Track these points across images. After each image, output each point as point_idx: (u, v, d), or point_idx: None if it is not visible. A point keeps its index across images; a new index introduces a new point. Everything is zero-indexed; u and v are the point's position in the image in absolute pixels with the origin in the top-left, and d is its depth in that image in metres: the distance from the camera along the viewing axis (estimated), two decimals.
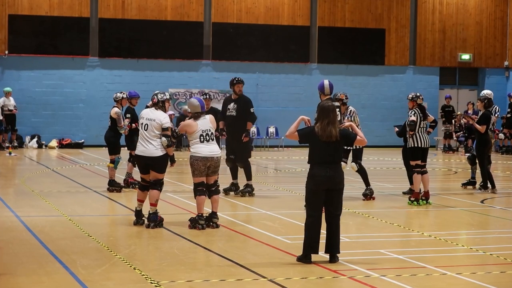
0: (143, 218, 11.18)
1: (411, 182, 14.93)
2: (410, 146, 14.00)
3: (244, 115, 14.49)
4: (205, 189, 11.04)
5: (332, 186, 8.78)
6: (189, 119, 11.18)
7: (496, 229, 11.81)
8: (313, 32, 30.42)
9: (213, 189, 11.10)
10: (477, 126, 15.48)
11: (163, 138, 10.95)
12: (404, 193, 15.18)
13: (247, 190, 14.67)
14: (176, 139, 11.24)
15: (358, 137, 9.03)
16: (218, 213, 11.19)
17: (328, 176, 8.75)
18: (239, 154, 14.62)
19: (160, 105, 11.13)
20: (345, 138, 8.93)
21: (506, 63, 32.04)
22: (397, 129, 15.05)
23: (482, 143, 15.63)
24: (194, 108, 11.08)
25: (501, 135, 27.91)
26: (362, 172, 14.46)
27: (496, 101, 30.57)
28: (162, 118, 11.02)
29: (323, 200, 8.78)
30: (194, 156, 10.96)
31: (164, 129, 10.98)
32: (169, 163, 11.26)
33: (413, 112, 14.04)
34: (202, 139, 10.95)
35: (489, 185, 15.80)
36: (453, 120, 28.41)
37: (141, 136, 11.08)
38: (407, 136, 14.13)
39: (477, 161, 15.92)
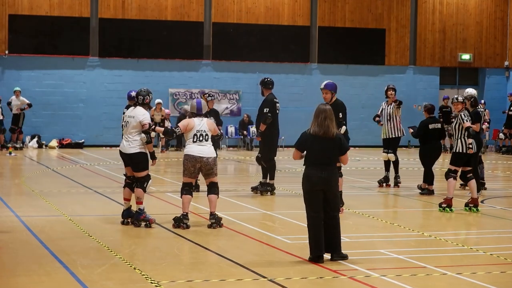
0: (128, 220, 11.21)
1: (424, 181, 15.31)
2: (457, 151, 13.07)
3: (259, 114, 14.97)
4: (191, 189, 11.14)
5: (327, 187, 8.78)
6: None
7: (496, 229, 11.80)
8: (313, 32, 30.42)
9: (210, 189, 11.19)
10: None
11: (142, 135, 11.04)
12: (421, 193, 15.25)
13: (266, 189, 14.87)
14: (177, 137, 11.33)
15: (347, 152, 9.09)
16: (218, 212, 11.20)
17: (322, 177, 8.75)
18: (263, 154, 14.94)
19: (140, 102, 11.20)
20: (340, 141, 8.92)
21: (506, 63, 32.04)
22: (411, 130, 15.42)
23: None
24: (191, 109, 11.33)
25: (501, 135, 27.91)
26: (396, 162, 16.42)
27: (496, 101, 30.84)
28: (141, 115, 11.08)
29: (322, 199, 8.77)
30: (185, 155, 11.10)
31: (143, 125, 11.04)
32: (150, 160, 11.34)
33: (466, 117, 13.10)
34: (195, 139, 11.05)
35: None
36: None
37: (123, 133, 11.24)
38: (457, 137, 13.06)
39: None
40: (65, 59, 28.33)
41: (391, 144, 16.55)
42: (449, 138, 28.40)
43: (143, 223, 11.01)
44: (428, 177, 15.34)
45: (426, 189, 15.28)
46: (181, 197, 11.13)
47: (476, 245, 10.19)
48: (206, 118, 11.32)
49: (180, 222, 10.94)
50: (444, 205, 12.95)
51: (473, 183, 13.04)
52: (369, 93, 30.50)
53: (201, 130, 11.08)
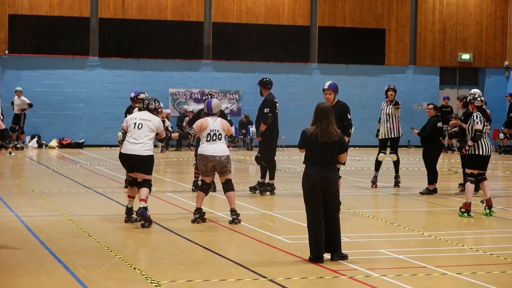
0: (133, 216, 11.23)
1: (429, 182, 15.29)
2: (471, 152, 12.58)
3: (259, 115, 14.95)
4: (205, 186, 11.33)
5: (327, 187, 8.78)
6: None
7: (496, 229, 11.81)
8: (313, 32, 30.42)
9: (225, 187, 11.38)
10: (464, 125, 14.87)
11: (158, 143, 11.38)
12: (421, 193, 15.21)
13: (266, 189, 14.92)
14: (193, 137, 11.60)
15: (346, 151, 9.14)
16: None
17: (323, 176, 8.75)
18: (263, 154, 14.97)
19: (145, 107, 11.36)
20: (341, 140, 8.94)
21: (506, 63, 32.04)
22: (416, 130, 15.40)
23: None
24: (204, 109, 11.72)
25: (501, 135, 27.90)
26: (397, 162, 16.45)
27: (496, 101, 30.80)
28: (157, 122, 11.25)
29: (322, 199, 8.77)
30: (198, 155, 11.40)
31: (158, 134, 11.27)
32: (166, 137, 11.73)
33: (478, 119, 12.59)
34: (208, 138, 11.24)
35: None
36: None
37: (130, 135, 11.16)
38: (470, 138, 12.61)
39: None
40: (65, 59, 28.34)
41: (391, 144, 16.54)
42: (449, 138, 28.49)
43: (141, 219, 11.03)
44: (432, 177, 15.32)
45: (426, 189, 15.28)
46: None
47: (476, 245, 10.19)
48: (220, 118, 11.49)
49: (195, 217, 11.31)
50: (462, 210, 12.52)
51: (485, 183, 12.81)
52: (369, 93, 30.52)
53: (215, 130, 11.26)
